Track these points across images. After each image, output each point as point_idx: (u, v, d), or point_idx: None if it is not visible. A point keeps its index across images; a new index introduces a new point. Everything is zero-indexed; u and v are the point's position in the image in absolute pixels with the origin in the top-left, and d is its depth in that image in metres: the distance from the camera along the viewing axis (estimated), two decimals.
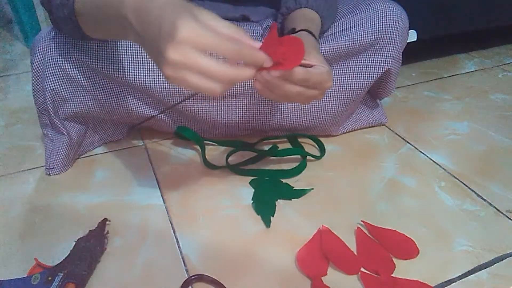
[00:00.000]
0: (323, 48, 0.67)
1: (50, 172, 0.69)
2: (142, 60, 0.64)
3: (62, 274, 0.49)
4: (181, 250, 0.55)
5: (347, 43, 0.68)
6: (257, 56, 0.40)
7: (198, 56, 0.37)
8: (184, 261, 0.54)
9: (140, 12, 0.41)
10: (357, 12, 0.70)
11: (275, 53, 0.43)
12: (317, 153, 0.75)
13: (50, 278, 0.48)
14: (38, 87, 0.65)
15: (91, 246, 0.53)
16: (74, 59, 0.63)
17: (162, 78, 0.65)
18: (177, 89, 0.66)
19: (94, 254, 0.53)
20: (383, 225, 0.59)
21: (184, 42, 0.36)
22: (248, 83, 0.68)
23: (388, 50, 0.70)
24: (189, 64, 0.37)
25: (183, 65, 0.37)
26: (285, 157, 0.74)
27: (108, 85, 0.66)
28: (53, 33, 0.63)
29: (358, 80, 0.72)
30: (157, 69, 0.65)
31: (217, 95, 0.40)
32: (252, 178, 0.68)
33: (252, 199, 0.64)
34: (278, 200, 0.64)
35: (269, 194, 0.65)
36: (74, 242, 0.54)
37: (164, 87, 0.65)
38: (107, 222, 0.58)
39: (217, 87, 0.39)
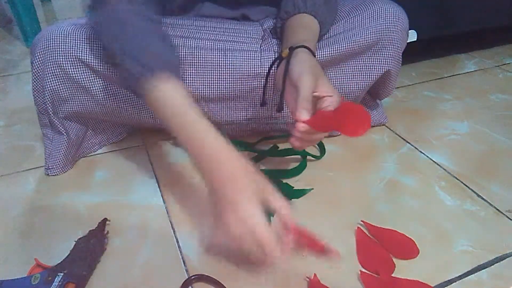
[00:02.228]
0: (324, 51, 0.67)
1: (49, 172, 0.69)
2: None
3: (62, 274, 0.49)
4: (181, 250, 0.55)
5: (347, 45, 0.67)
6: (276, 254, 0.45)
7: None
8: (184, 261, 0.54)
9: (210, 169, 0.46)
10: (357, 13, 0.69)
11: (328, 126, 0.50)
12: (317, 153, 0.75)
13: (50, 278, 0.48)
14: (38, 87, 0.65)
15: (91, 246, 0.53)
16: (74, 59, 0.63)
17: None
18: None
19: (94, 254, 0.53)
20: (383, 225, 0.59)
21: (242, 222, 0.44)
22: (249, 85, 0.67)
23: (388, 51, 0.70)
24: (240, 240, 0.44)
25: (236, 238, 0.44)
26: (285, 157, 0.74)
27: (108, 85, 0.66)
28: (53, 34, 0.63)
29: (358, 81, 0.72)
30: None
31: None
32: None
33: None
34: None
35: None
36: (74, 242, 0.54)
37: None
38: (107, 222, 0.58)
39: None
